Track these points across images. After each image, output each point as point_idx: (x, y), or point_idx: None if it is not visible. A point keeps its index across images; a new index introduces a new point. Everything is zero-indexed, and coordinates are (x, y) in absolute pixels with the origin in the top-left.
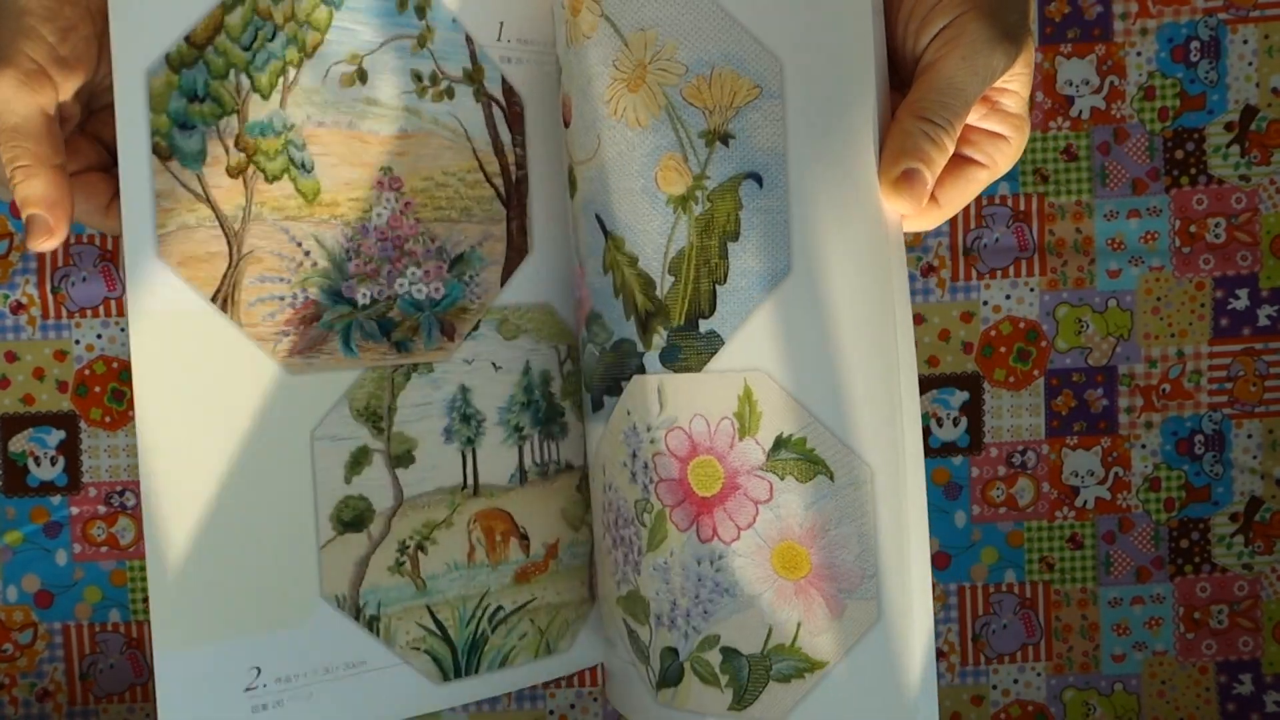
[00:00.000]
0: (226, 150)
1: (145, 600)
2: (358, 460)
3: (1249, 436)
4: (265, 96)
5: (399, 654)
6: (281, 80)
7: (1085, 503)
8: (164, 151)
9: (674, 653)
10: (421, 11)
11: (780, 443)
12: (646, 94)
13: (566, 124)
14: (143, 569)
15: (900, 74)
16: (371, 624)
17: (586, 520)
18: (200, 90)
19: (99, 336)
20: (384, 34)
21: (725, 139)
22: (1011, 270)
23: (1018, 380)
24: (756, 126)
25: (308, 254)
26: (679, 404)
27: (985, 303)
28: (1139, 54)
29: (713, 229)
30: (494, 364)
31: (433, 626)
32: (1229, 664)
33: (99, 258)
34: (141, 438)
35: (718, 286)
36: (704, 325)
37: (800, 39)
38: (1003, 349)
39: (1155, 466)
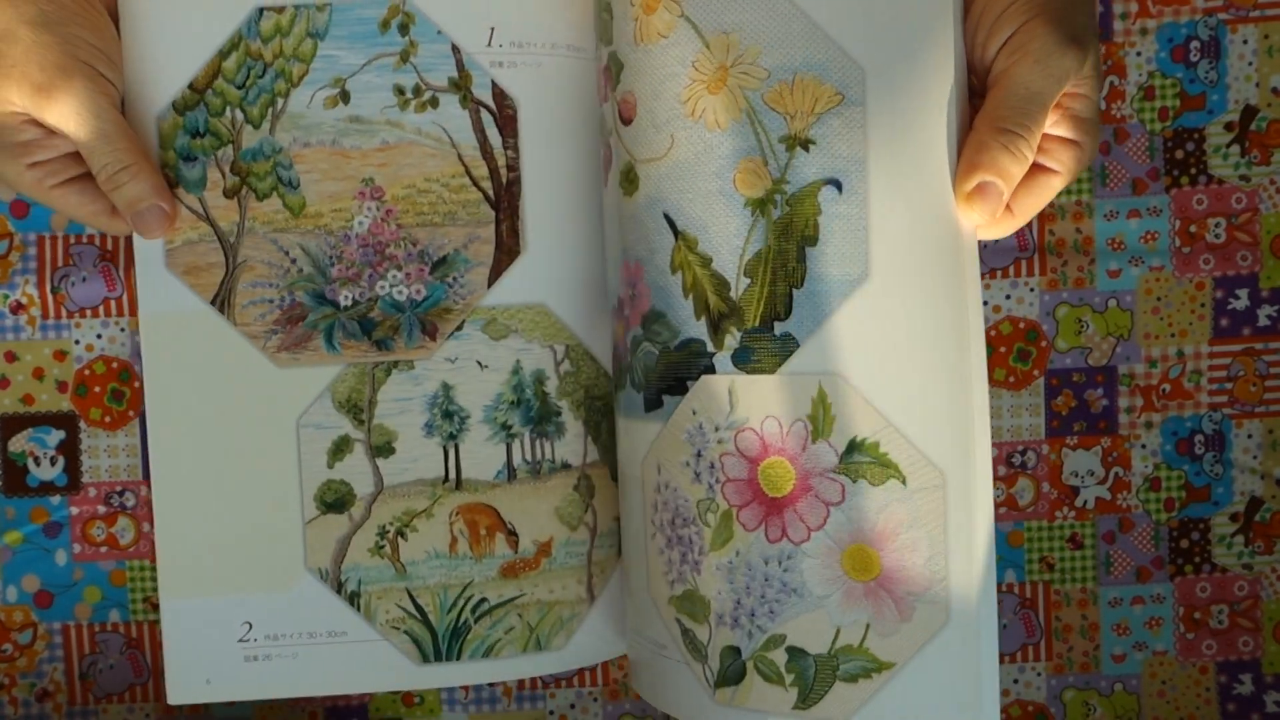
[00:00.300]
0: (223, 175)
1: (145, 600)
2: (339, 448)
3: (1249, 436)
4: (256, 126)
5: (379, 630)
6: (271, 110)
7: (1085, 503)
8: (171, 181)
9: (736, 652)
10: (404, 29)
11: (853, 446)
12: (727, 97)
13: (626, 121)
14: (142, 569)
15: (969, 82)
16: (353, 599)
17: (585, 521)
18: (201, 127)
19: (99, 336)
20: (366, 55)
21: (805, 144)
22: (1011, 270)
23: (1018, 380)
24: (837, 133)
25: (294, 261)
26: (751, 405)
27: (985, 303)
28: (1139, 54)
29: (791, 233)
30: (479, 363)
31: (412, 609)
32: (1229, 664)
33: (99, 258)
34: (150, 418)
35: (794, 290)
36: (779, 328)
37: (883, 47)
38: (1003, 349)
39: (1155, 466)
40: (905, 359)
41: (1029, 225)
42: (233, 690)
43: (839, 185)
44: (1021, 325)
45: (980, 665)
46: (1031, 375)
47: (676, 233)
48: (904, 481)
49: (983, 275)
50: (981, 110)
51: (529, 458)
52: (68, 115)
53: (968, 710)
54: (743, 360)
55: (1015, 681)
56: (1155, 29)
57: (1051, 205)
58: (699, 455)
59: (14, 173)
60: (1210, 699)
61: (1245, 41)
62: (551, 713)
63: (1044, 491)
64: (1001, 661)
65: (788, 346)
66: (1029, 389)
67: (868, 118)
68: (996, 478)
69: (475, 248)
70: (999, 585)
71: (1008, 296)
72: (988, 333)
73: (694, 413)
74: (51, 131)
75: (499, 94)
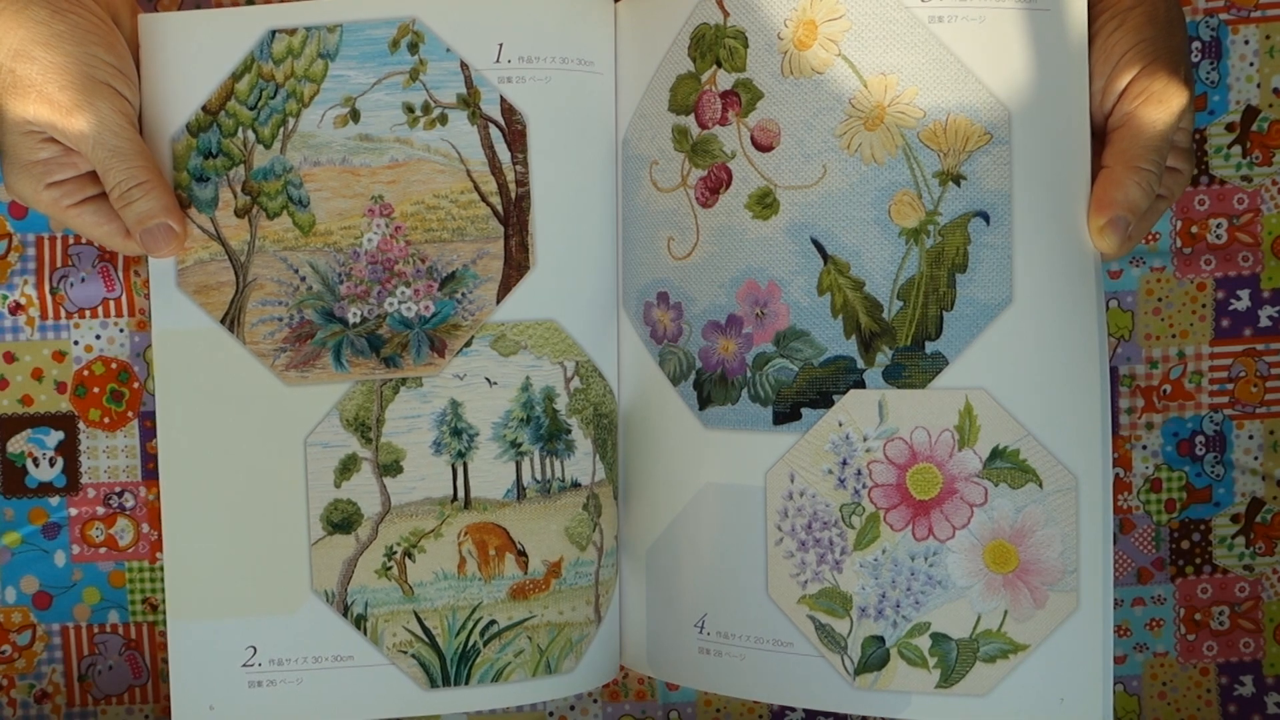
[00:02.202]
0: (235, 195)
1: (144, 601)
2: (347, 466)
3: (1250, 437)
4: (268, 146)
5: (386, 654)
6: (282, 130)
7: None
8: (184, 201)
9: (879, 640)
10: (414, 48)
11: (996, 453)
12: (884, 134)
13: (764, 148)
14: (141, 570)
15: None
16: (359, 622)
17: (594, 540)
18: (214, 148)
19: (98, 337)
20: (376, 75)
21: (957, 179)
22: None
23: None
24: (986, 169)
25: (303, 279)
26: (901, 416)
27: None
28: None
29: (943, 261)
30: (488, 379)
31: (420, 632)
32: (1230, 665)
33: (98, 258)
34: (161, 435)
35: (945, 313)
36: (930, 347)
37: (1027, 90)
38: None
39: (1156, 467)
40: (1043, 373)
41: None
42: (236, 718)
43: (987, 217)
44: None
45: (1103, 645)
46: None
47: (826, 257)
48: (1041, 484)
49: None
50: (1112, 149)
51: (538, 476)
52: (86, 133)
53: (1093, 683)
54: (894, 376)
55: None
56: None
57: None
58: (844, 463)
59: (31, 191)
60: (1211, 700)
61: (1246, 42)
62: (551, 714)
63: None
64: None
65: (938, 364)
66: None
67: (1013, 155)
68: None
69: (484, 263)
70: None
71: None
72: None
73: (840, 424)
74: (69, 150)
75: (507, 109)
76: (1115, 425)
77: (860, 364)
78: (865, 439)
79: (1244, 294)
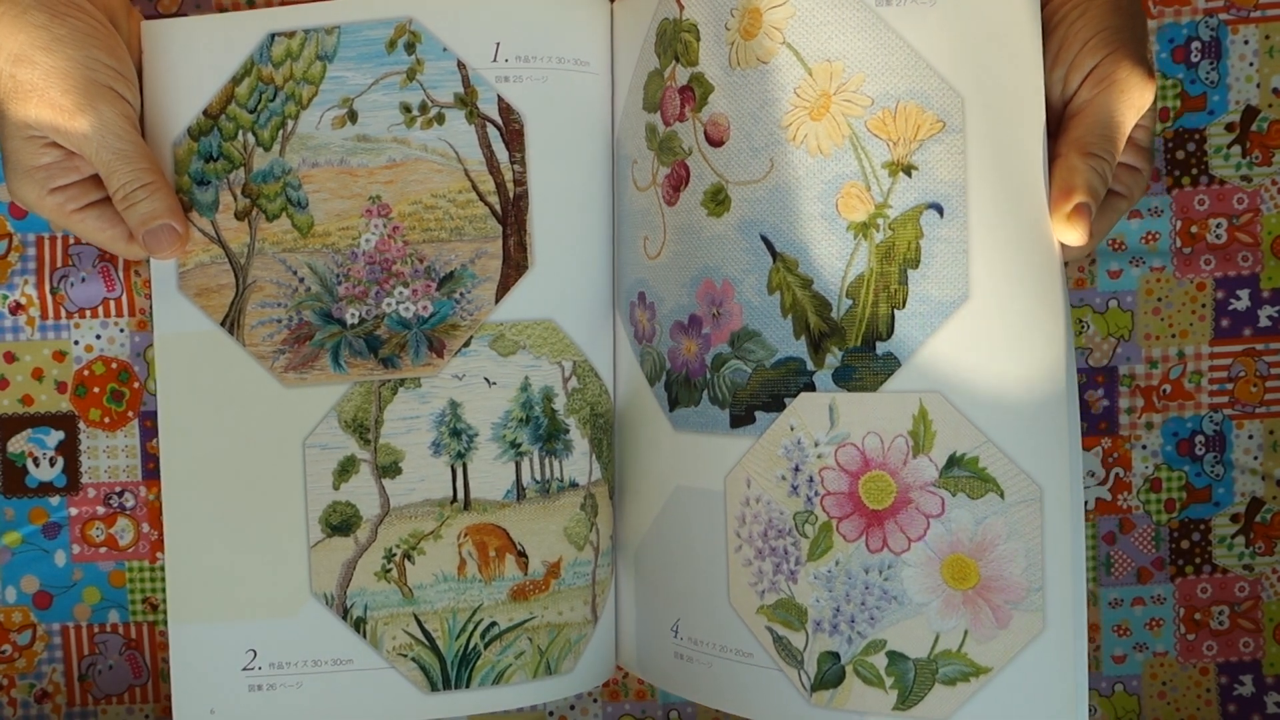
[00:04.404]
0: (235, 198)
1: (144, 601)
2: (345, 468)
3: (1250, 437)
4: (267, 148)
5: (386, 658)
6: (281, 132)
7: (1086, 503)
8: (185, 205)
9: (834, 656)
10: (411, 48)
11: (953, 461)
12: (830, 123)
13: (715, 143)
14: (141, 570)
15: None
16: (358, 625)
17: (590, 540)
18: (214, 152)
19: (98, 337)
20: (374, 75)
21: (908, 170)
22: None
23: None
24: (939, 159)
25: (302, 280)
26: (852, 421)
27: None
28: None
29: (893, 256)
30: (487, 379)
31: (420, 635)
32: (1230, 665)
33: (98, 258)
34: (163, 439)
35: (896, 311)
36: (881, 347)
37: (981, 76)
38: None
39: (1156, 467)
40: (1003, 376)
41: None
42: None
43: (940, 209)
44: None
45: (1074, 671)
46: None
47: (775, 254)
48: (1002, 495)
49: None
50: (1067, 136)
51: (538, 476)
52: (89, 136)
53: (1061, 712)
54: (844, 378)
55: None
56: (1155, 29)
57: None
58: (797, 469)
59: (35, 197)
60: (1211, 700)
61: (1246, 42)
62: (551, 713)
63: None
64: None
65: (889, 365)
66: None
67: (968, 144)
68: None
69: (482, 263)
70: None
71: None
72: None
73: (792, 428)
74: (71, 154)
75: (505, 109)
76: (1115, 425)
77: (810, 365)
78: (816, 444)
79: (1244, 294)
